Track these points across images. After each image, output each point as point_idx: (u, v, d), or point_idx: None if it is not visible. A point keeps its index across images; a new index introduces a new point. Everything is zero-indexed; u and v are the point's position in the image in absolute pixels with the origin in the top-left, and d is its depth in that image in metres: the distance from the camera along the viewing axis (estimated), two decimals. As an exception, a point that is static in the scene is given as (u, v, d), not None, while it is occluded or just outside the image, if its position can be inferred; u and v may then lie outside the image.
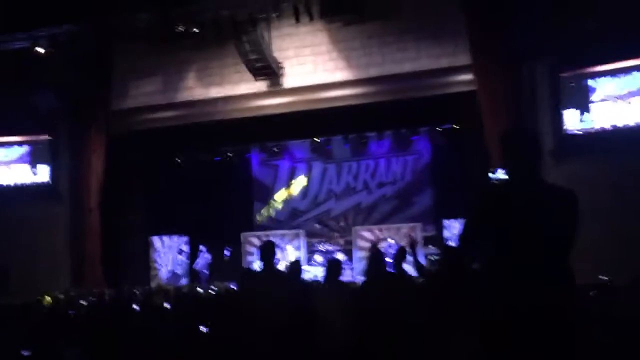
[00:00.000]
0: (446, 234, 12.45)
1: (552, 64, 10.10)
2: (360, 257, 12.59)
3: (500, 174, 8.72)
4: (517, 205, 2.50)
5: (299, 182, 15.50)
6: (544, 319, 2.37)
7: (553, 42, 9.76)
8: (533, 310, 2.37)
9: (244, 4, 10.08)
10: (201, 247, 13.72)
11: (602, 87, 9.88)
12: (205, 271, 13.52)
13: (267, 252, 4.70)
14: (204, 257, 13.60)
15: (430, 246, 12.31)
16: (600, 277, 7.32)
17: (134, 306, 8.27)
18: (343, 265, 5.32)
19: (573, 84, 10.03)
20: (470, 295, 3.52)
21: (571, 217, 2.53)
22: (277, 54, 11.28)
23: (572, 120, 9.98)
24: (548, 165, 9.18)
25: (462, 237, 2.71)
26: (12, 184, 12.56)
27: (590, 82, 9.95)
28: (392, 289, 4.63)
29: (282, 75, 11.42)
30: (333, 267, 5.06)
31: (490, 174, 9.26)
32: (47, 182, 12.53)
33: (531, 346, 2.37)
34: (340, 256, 13.04)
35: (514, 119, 9.73)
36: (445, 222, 12.54)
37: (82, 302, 9.38)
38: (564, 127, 9.97)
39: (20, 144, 12.70)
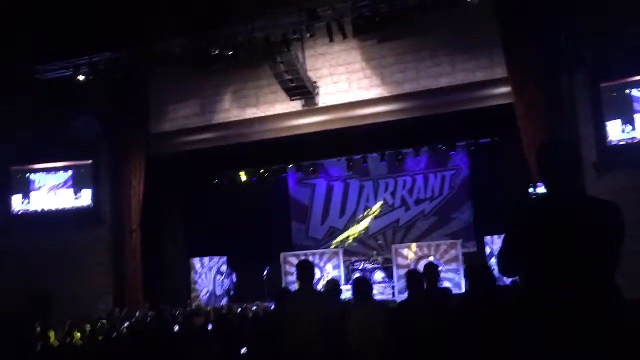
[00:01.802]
0: (487, 250, 12.22)
1: (592, 73, 9.85)
2: (400, 275, 12.43)
3: (540, 189, 8.50)
4: (557, 219, 2.40)
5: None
6: (593, 337, 2.26)
7: (593, 51, 9.54)
8: (580, 327, 2.26)
9: (278, 25, 10.18)
10: (227, 269, 13.91)
11: (647, 96, 9.59)
12: (232, 292, 13.67)
13: (305, 271, 4.64)
14: (230, 278, 13.79)
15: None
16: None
17: (175, 328, 8.33)
18: (371, 284, 5.17)
19: (615, 94, 9.76)
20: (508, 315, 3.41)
21: (616, 231, 2.42)
22: (312, 74, 11.34)
23: (615, 131, 9.70)
24: (591, 178, 8.93)
25: (502, 255, 2.61)
26: (54, 208, 12.88)
27: (634, 91, 9.66)
28: (429, 310, 4.52)
29: (317, 94, 11.47)
30: (360, 286, 4.93)
31: (529, 189, 9.04)
32: (90, 206, 12.80)
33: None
34: (379, 275, 12.94)
35: (554, 131, 9.51)
36: (487, 238, 12.32)
37: (125, 325, 9.50)
38: (607, 138, 9.68)
39: (65, 169, 13.04)
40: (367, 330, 4.40)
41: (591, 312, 2.28)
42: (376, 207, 15.16)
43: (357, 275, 13.00)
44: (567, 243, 2.34)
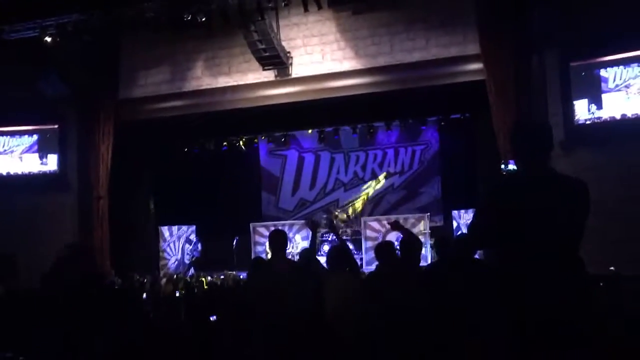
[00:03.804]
0: (454, 224, 12.45)
1: (562, 53, 9.98)
2: (369, 247, 12.62)
3: (511, 166, 8.66)
4: (528, 196, 2.48)
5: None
6: (560, 312, 2.34)
7: (564, 30, 9.65)
8: (548, 302, 2.35)
9: (252, -8, 10.01)
10: (195, 238, 13.91)
11: (613, 77, 9.77)
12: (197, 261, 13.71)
13: (277, 240, 4.67)
14: (195, 247, 13.82)
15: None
16: (610, 268, 7.29)
17: (143, 295, 8.34)
18: (348, 252, 5.22)
19: (584, 73, 9.93)
20: (477, 289, 3.50)
21: (583, 208, 2.50)
22: (285, 44, 11.23)
23: (582, 110, 9.90)
24: (557, 155, 9.11)
25: (472, 229, 2.68)
26: (20, 172, 12.60)
27: (602, 71, 9.84)
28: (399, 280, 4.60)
29: (290, 64, 11.37)
30: (337, 254, 4.99)
31: (501, 166, 9.21)
32: (55, 171, 12.56)
33: (546, 340, 2.34)
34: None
35: (524, 109, 9.66)
36: (454, 212, 12.55)
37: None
38: (574, 117, 9.88)
39: (30, 133, 12.73)
40: (342, 299, 4.47)
41: (559, 286, 2.37)
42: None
43: (325, 246, 13.13)
44: (537, 220, 2.42)
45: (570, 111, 9.89)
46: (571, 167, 8.30)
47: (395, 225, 5.54)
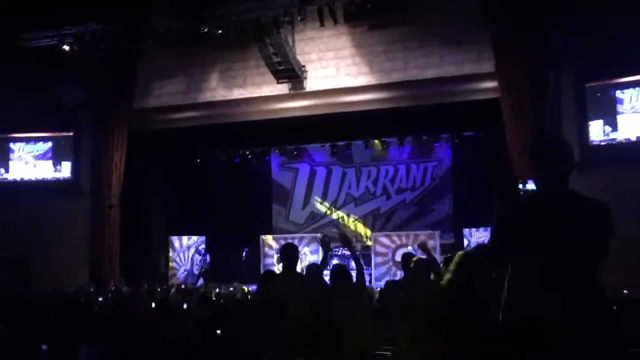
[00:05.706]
0: (465, 242, 12.37)
1: (578, 73, 9.95)
2: (378, 262, 12.55)
3: (530, 185, 8.58)
4: (547, 216, 2.42)
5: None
6: (576, 334, 2.29)
7: (579, 51, 9.63)
8: (564, 325, 2.29)
9: (269, 6, 10.08)
10: (204, 249, 13.93)
11: (629, 99, 9.72)
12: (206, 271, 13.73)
13: (289, 254, 4.65)
14: (204, 257, 13.86)
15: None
16: (624, 291, 7.19)
17: (152, 304, 8.30)
18: (350, 272, 5.15)
19: (599, 94, 9.88)
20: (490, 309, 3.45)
21: (604, 230, 2.42)
22: (300, 57, 11.28)
23: (597, 131, 9.84)
24: (572, 177, 9.03)
25: (489, 248, 2.63)
26: (34, 178, 12.70)
27: (617, 93, 9.79)
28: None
29: (304, 78, 11.42)
30: (339, 272, 4.93)
31: (519, 185, 9.12)
32: (69, 178, 12.65)
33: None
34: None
35: (537, 128, 9.61)
36: (465, 230, 12.46)
37: (99, 298, 9.44)
38: (589, 138, 9.82)
39: (44, 140, 12.85)
40: (348, 312, 4.43)
41: (575, 311, 2.30)
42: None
43: (334, 260, 13.06)
44: (554, 240, 2.35)
45: (584, 132, 9.85)
46: (585, 188, 8.14)
47: (422, 246, 5.32)
